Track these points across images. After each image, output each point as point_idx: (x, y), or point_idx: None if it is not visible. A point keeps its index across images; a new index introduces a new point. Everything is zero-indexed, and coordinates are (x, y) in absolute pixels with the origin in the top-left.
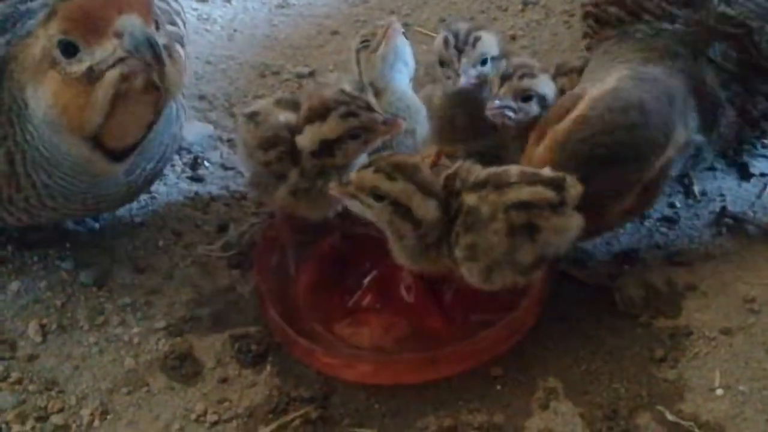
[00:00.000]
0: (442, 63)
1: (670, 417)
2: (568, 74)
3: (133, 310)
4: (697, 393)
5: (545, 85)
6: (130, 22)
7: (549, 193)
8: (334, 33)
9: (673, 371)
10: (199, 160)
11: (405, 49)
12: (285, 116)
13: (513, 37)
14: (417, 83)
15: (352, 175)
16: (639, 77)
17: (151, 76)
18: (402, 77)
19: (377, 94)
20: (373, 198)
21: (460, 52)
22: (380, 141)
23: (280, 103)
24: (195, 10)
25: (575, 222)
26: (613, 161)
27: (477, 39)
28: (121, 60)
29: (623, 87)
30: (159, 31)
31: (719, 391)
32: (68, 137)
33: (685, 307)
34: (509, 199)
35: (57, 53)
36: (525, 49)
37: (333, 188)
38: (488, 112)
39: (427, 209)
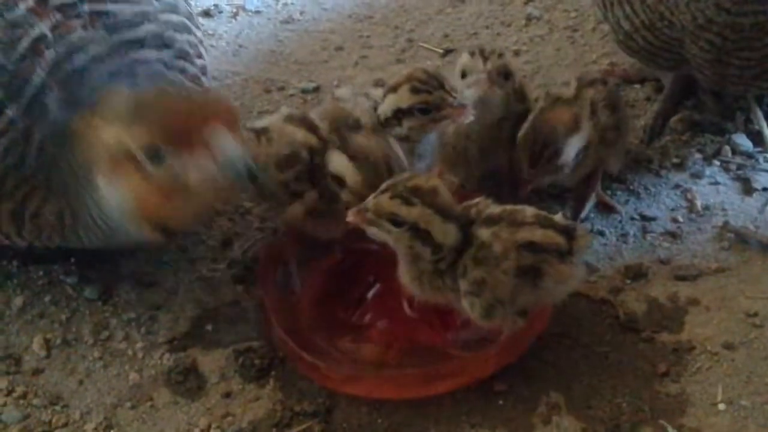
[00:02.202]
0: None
1: None
2: (593, 85)
3: (137, 324)
4: (700, 408)
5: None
6: (227, 143)
7: (559, 239)
8: (339, 48)
9: (675, 386)
10: None
11: None
12: (303, 135)
13: (516, 53)
14: None
15: (370, 202)
16: None
17: (237, 192)
18: None
19: None
20: (391, 224)
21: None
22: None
23: (291, 119)
24: (200, 25)
25: (578, 273)
26: None
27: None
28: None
29: None
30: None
31: (721, 406)
32: (137, 224)
33: (687, 322)
34: (522, 238)
35: (142, 156)
36: (528, 64)
37: (351, 215)
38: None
39: (447, 233)
